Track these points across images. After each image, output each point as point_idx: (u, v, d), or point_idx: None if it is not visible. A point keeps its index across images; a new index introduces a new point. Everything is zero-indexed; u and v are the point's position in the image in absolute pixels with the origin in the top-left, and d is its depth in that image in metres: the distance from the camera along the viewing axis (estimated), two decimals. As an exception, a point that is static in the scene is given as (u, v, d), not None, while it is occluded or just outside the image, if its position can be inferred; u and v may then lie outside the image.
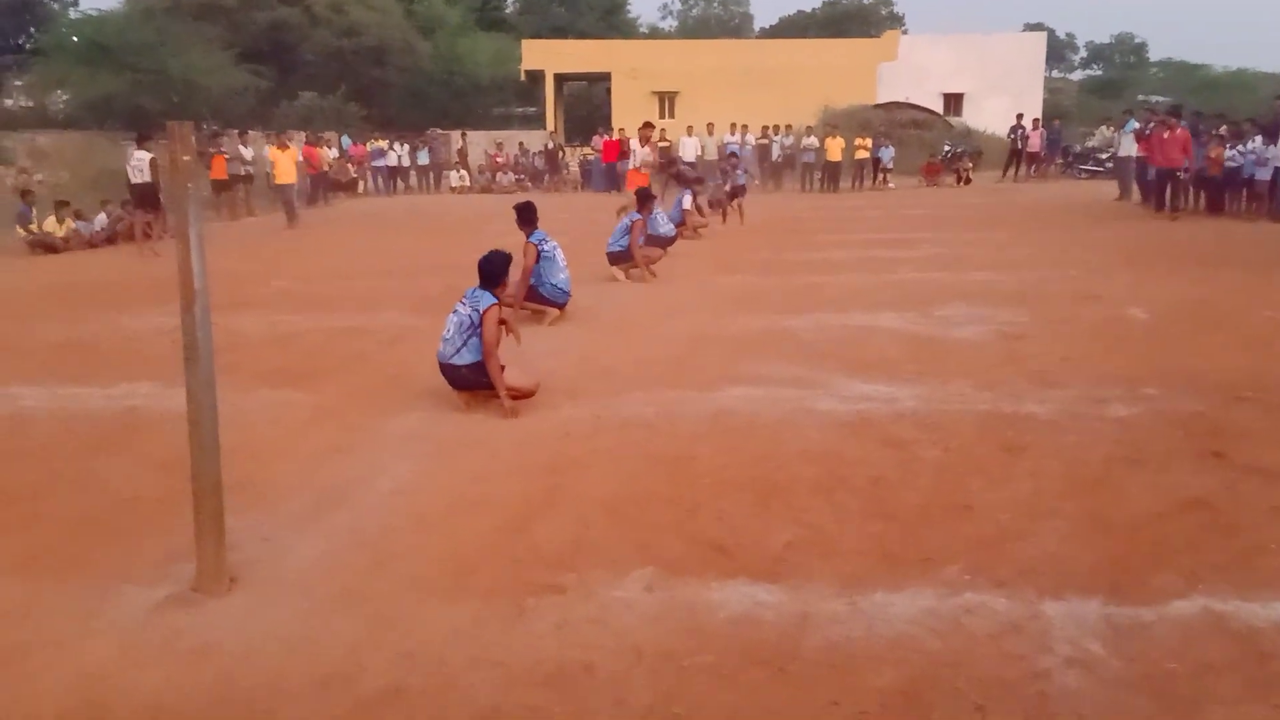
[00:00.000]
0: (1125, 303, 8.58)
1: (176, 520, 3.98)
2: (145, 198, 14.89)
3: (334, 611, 3.36)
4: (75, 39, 28.73)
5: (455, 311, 5.77)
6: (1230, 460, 4.64)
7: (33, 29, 35.95)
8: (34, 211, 15.80)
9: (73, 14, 36.35)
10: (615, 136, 27.13)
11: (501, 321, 5.76)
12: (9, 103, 35.43)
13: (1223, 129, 16.63)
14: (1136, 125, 19.38)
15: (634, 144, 15.52)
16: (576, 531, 4.00)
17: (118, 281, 11.77)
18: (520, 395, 5.71)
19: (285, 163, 19.15)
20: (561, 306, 8.41)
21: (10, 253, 14.79)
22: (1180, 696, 2.79)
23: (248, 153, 21.42)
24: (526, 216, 8.32)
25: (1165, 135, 16.33)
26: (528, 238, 8.26)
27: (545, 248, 8.26)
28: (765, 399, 5.82)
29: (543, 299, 8.33)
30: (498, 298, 5.74)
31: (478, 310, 5.61)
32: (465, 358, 5.65)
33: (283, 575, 3.65)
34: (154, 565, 3.74)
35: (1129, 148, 19.55)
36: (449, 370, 5.75)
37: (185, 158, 3.43)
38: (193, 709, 2.83)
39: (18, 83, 32.77)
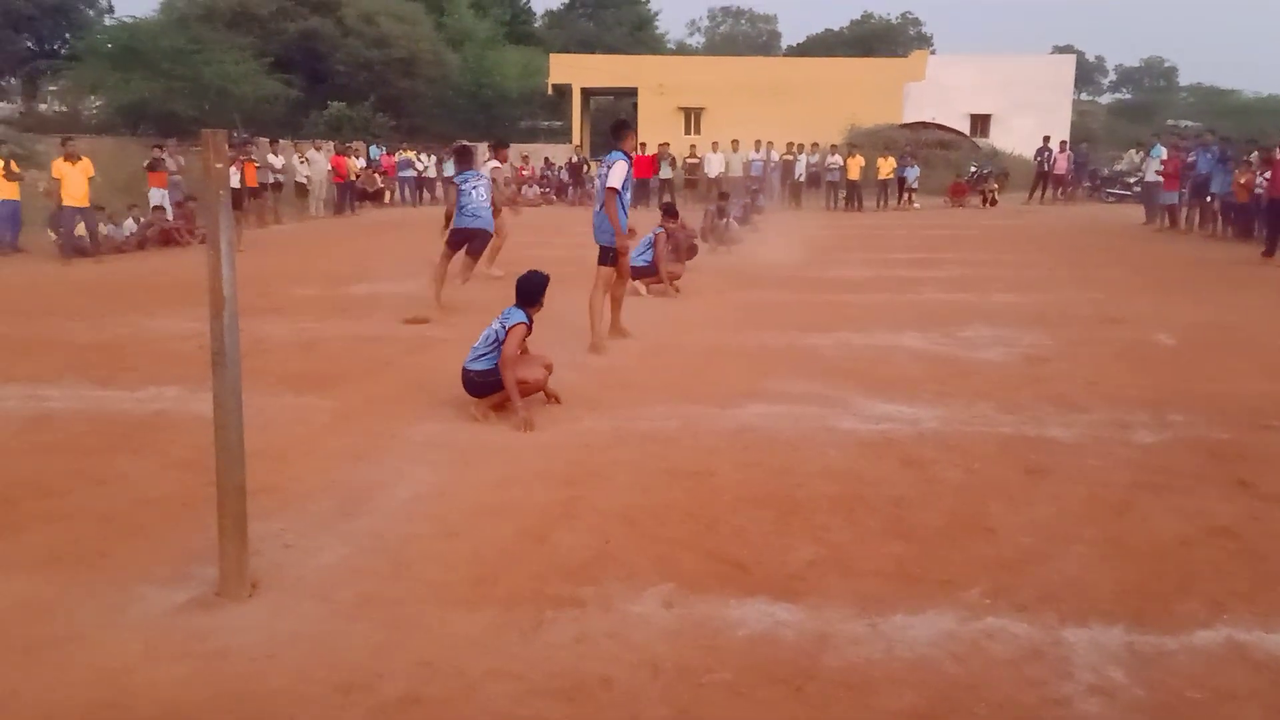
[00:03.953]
0: (1149, 327, 8.52)
1: (198, 522, 4.03)
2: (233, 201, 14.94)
3: (354, 618, 3.38)
4: (110, 45, 29.13)
5: (490, 326, 5.96)
6: (1255, 489, 4.60)
7: (68, 34, 36.51)
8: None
9: (108, 20, 36.93)
10: (645, 152, 26.22)
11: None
12: (43, 107, 35.98)
13: (1254, 155, 16.47)
14: (1164, 152, 19.29)
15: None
16: (596, 544, 4.01)
17: (147, 285, 11.88)
18: (531, 389, 5.84)
19: (75, 178, 13.92)
20: (479, 232, 9.71)
21: (42, 256, 14.96)
22: (1202, 727, 2.77)
23: (277, 161, 21.68)
24: (464, 158, 10.37)
25: None
26: (454, 175, 10.11)
27: (465, 187, 9.70)
28: (786, 416, 5.82)
29: (467, 231, 9.65)
30: (529, 317, 5.89)
31: (504, 327, 5.76)
32: (481, 365, 5.81)
33: (303, 580, 3.67)
34: (175, 565, 3.78)
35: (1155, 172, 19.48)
36: (464, 375, 5.90)
37: (219, 165, 3.47)
38: (213, 710, 2.85)
39: (52, 88, 33.25)
